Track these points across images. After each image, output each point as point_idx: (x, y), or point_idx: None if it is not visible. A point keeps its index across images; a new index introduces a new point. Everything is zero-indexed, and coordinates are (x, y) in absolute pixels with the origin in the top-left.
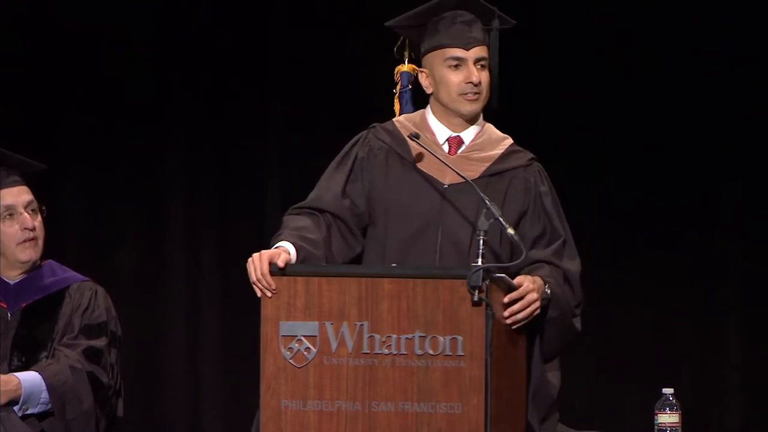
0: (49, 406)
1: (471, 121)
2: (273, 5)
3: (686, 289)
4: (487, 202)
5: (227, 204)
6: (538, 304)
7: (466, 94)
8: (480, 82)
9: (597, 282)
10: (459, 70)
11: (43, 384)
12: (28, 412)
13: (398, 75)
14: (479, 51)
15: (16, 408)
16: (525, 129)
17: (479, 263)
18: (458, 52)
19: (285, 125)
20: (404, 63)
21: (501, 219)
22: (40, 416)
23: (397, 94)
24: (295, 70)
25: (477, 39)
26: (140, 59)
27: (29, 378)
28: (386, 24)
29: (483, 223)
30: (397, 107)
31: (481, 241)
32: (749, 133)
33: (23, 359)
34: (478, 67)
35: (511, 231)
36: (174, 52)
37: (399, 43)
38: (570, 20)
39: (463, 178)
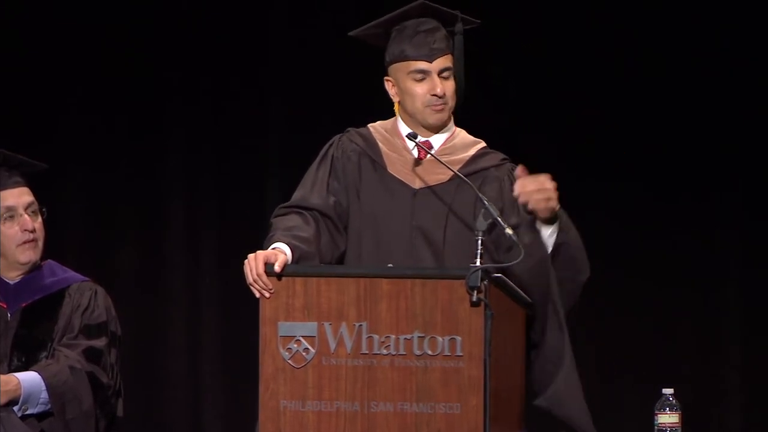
0: (49, 406)
1: (440, 126)
2: (273, 5)
3: (686, 289)
4: (485, 202)
5: (227, 204)
6: (553, 193)
7: (431, 105)
8: (444, 94)
9: (597, 282)
10: (423, 83)
11: (43, 384)
12: (28, 412)
13: None
14: (443, 61)
15: (15, 408)
16: (524, 129)
17: (477, 263)
18: (422, 65)
19: (285, 125)
20: None
21: (499, 219)
22: (40, 416)
23: None
24: (295, 70)
25: (440, 49)
26: (140, 59)
27: (29, 378)
28: (349, 34)
29: (481, 223)
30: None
31: (479, 242)
32: (749, 134)
33: (23, 359)
34: (443, 77)
35: (509, 231)
36: (174, 52)
37: None
38: (569, 20)
39: (454, 172)
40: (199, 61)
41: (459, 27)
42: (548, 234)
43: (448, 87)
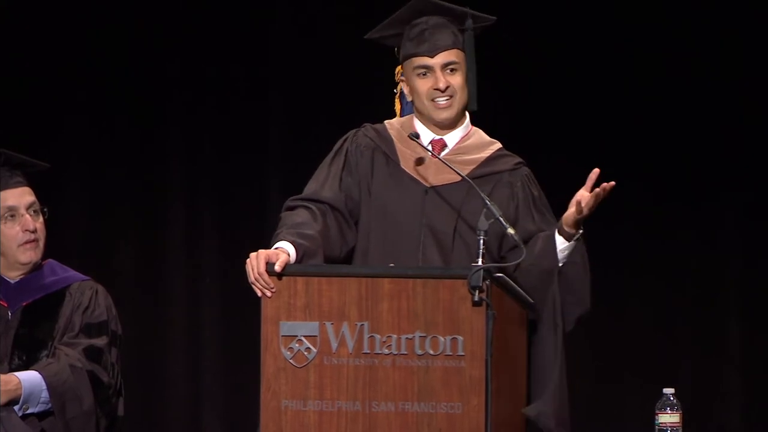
0: (50, 405)
1: (455, 124)
2: (274, 5)
3: (686, 289)
4: (487, 201)
5: (227, 204)
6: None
7: (436, 100)
8: (448, 87)
9: (597, 282)
10: (427, 78)
11: (44, 383)
12: (29, 411)
13: (398, 75)
14: (446, 56)
15: (16, 407)
16: (526, 129)
17: (479, 263)
18: (424, 61)
19: (286, 126)
20: None
21: (501, 219)
22: (41, 415)
23: (398, 94)
24: (295, 71)
25: (443, 45)
26: (141, 59)
27: (29, 377)
28: (365, 37)
29: (483, 223)
30: (397, 107)
31: (482, 241)
32: (750, 134)
33: (24, 358)
34: (447, 71)
35: (511, 231)
36: (175, 52)
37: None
38: (572, 20)
39: (461, 176)
40: (199, 62)
41: (469, 23)
42: (560, 248)
43: (454, 81)
